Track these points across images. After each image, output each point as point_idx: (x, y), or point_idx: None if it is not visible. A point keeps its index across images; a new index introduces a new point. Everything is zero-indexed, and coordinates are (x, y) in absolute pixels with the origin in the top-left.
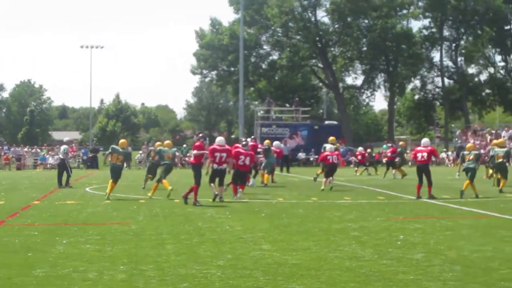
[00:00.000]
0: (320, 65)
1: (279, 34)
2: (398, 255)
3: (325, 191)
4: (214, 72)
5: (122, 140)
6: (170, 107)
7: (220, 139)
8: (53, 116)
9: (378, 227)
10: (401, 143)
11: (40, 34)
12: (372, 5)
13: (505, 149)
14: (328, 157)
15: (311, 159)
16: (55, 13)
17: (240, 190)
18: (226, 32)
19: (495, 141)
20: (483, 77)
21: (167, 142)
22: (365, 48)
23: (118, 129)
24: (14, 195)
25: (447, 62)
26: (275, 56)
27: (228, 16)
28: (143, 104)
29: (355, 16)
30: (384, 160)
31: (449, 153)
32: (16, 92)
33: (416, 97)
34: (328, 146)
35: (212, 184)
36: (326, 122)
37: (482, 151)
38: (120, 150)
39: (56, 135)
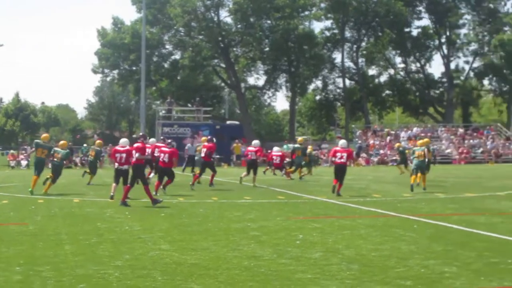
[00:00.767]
0: (222, 65)
1: (182, 33)
2: (296, 254)
3: (227, 191)
4: (115, 71)
5: (61, 142)
6: (71, 106)
7: (123, 141)
8: None
9: (278, 226)
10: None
11: None
12: (275, 6)
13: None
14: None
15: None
16: None
17: (161, 187)
18: (128, 31)
19: (420, 141)
20: (383, 78)
21: (61, 142)
22: (267, 49)
23: (17, 128)
24: None
25: (348, 63)
26: (177, 55)
27: (130, 15)
28: (43, 103)
29: (258, 16)
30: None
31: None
32: None
33: (318, 97)
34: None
35: (114, 185)
36: (228, 122)
37: (432, 146)
38: (42, 143)
39: None
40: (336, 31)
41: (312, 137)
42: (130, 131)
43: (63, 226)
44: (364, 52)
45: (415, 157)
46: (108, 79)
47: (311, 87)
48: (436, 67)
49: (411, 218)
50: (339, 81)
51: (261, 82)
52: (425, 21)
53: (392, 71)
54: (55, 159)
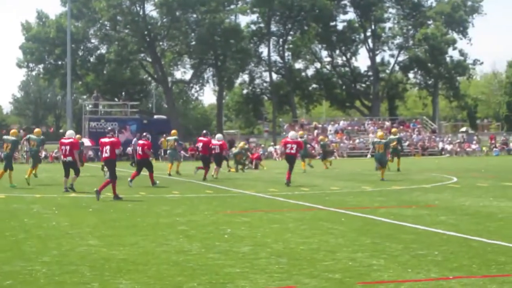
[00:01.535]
0: (148, 59)
1: (107, 27)
2: (225, 248)
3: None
4: (41, 66)
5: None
6: None
7: (69, 133)
8: None
9: (206, 220)
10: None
11: None
12: (201, 0)
13: (384, 141)
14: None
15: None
16: None
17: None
18: (53, 25)
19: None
20: (310, 72)
21: (36, 130)
22: (193, 43)
23: None
24: None
25: (275, 57)
26: (103, 50)
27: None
28: None
29: (184, 10)
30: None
31: (277, 147)
32: None
33: (245, 91)
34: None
35: (64, 178)
36: (155, 116)
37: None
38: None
39: None
40: (262, 25)
41: (241, 131)
42: (57, 126)
43: None
44: (291, 46)
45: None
46: (33, 73)
47: (238, 81)
48: (362, 61)
49: (339, 211)
50: (266, 75)
51: (188, 76)
52: (351, 15)
53: (318, 65)
54: (32, 147)
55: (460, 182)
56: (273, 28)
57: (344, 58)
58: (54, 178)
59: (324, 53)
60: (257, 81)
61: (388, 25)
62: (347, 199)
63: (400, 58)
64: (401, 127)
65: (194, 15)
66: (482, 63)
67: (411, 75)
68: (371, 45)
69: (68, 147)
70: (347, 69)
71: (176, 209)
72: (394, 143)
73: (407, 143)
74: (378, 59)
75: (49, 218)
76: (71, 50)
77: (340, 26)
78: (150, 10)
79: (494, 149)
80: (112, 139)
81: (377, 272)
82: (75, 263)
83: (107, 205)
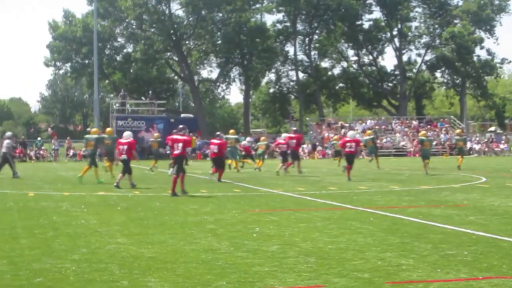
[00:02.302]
0: (175, 58)
1: (133, 26)
2: (253, 247)
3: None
4: (68, 64)
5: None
6: (24, 99)
7: (127, 134)
8: None
9: (234, 219)
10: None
11: None
12: None
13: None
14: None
15: (168, 152)
16: None
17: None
18: (80, 24)
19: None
20: (337, 71)
21: (108, 129)
22: (219, 42)
23: None
24: None
25: (301, 56)
26: (129, 48)
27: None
28: None
29: (209, 9)
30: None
31: (304, 146)
32: None
33: (271, 90)
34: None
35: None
36: (182, 115)
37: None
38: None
39: None
40: (288, 24)
41: (267, 130)
42: (84, 125)
43: (18, 220)
44: (317, 45)
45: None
46: (61, 72)
47: (265, 80)
48: (388, 60)
49: (367, 210)
50: (292, 74)
51: (214, 75)
52: (376, 14)
53: (345, 64)
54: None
55: (489, 182)
56: (299, 27)
57: (370, 57)
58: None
59: (350, 52)
60: (284, 80)
61: (414, 24)
62: (375, 198)
63: (427, 57)
64: (429, 126)
65: (220, 14)
66: (510, 62)
67: (438, 74)
68: (397, 44)
69: (125, 147)
70: (373, 68)
71: (204, 208)
72: (370, 142)
73: (434, 142)
74: (404, 58)
75: (77, 216)
76: (97, 49)
77: (366, 25)
78: (176, 9)
79: None
80: (185, 137)
81: (406, 272)
82: (104, 261)
83: (135, 203)
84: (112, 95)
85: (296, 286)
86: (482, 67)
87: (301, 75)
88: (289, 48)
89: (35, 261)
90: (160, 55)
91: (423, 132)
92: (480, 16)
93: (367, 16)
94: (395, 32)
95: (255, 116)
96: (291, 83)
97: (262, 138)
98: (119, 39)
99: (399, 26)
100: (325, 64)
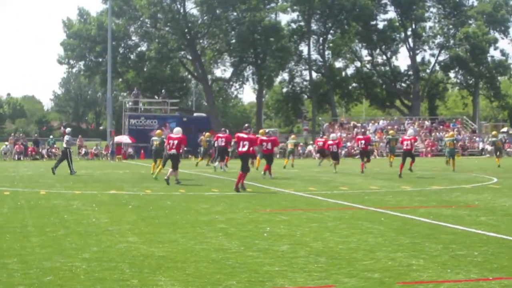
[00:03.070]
0: (189, 57)
1: (148, 25)
2: (264, 246)
3: (194, 183)
4: (81, 63)
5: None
6: (37, 97)
7: (177, 130)
8: None
9: (245, 219)
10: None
11: None
12: None
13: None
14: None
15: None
16: None
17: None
18: (94, 22)
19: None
20: (350, 71)
21: (157, 131)
22: (233, 41)
23: None
24: None
25: (315, 55)
26: (143, 47)
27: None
28: (9, 94)
29: (224, 8)
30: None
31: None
32: None
33: (284, 90)
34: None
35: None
36: (195, 114)
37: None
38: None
39: None
40: (302, 23)
41: (280, 129)
42: (97, 123)
43: (29, 218)
44: (331, 44)
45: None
46: (74, 70)
47: (278, 79)
48: (402, 60)
49: (378, 210)
50: (306, 73)
51: (227, 74)
52: (391, 14)
53: (358, 64)
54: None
55: (501, 183)
56: (314, 26)
57: (384, 57)
58: (93, 175)
59: (364, 52)
60: (297, 79)
61: (428, 24)
62: (387, 198)
63: (441, 58)
64: (441, 126)
65: (234, 13)
66: None
67: (451, 74)
68: (411, 44)
69: (176, 141)
70: (387, 68)
71: (215, 207)
72: (291, 145)
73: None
74: (418, 58)
75: (88, 214)
76: (111, 47)
77: (380, 25)
78: (191, 8)
79: None
80: (251, 135)
81: (416, 272)
82: (114, 259)
83: (146, 202)
84: (125, 94)
85: (306, 286)
86: (496, 68)
87: (314, 74)
88: (303, 48)
89: (45, 260)
90: (174, 54)
91: (451, 133)
92: (495, 17)
93: (382, 16)
94: (409, 32)
95: (268, 116)
96: (304, 83)
97: (292, 136)
98: (133, 38)
99: (414, 26)
100: (339, 64)
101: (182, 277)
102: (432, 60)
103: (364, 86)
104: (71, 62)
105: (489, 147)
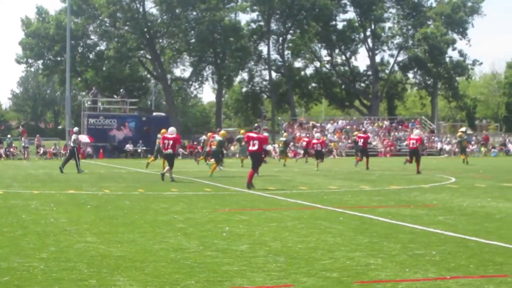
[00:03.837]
0: (148, 56)
1: (107, 24)
2: (223, 246)
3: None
4: (40, 62)
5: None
6: None
7: (171, 129)
8: None
9: (204, 218)
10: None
11: None
12: None
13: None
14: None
15: (139, 150)
16: None
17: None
18: (53, 21)
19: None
20: (309, 71)
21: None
22: (193, 40)
23: None
24: None
25: (275, 55)
26: (102, 46)
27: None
28: None
29: (184, 7)
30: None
31: (276, 145)
32: None
33: (244, 89)
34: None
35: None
36: (154, 113)
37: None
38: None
39: None
40: (262, 23)
41: (239, 129)
42: (55, 122)
43: None
44: (290, 44)
45: None
46: (32, 69)
47: (237, 79)
48: (361, 60)
49: (337, 210)
50: (265, 73)
51: (187, 73)
52: (350, 14)
53: (318, 64)
54: (213, 147)
55: (459, 183)
56: (273, 26)
57: (343, 57)
58: (52, 175)
59: (323, 52)
60: (257, 79)
61: (388, 24)
62: (346, 198)
63: (400, 58)
64: (400, 126)
65: (194, 13)
66: (481, 63)
67: (410, 75)
68: (370, 44)
69: (171, 142)
70: (346, 68)
71: (174, 207)
72: (281, 143)
73: (405, 142)
74: (377, 58)
75: (47, 214)
76: (70, 46)
77: (340, 25)
78: (150, 7)
79: (493, 149)
80: (260, 135)
81: (374, 271)
82: (72, 259)
83: (105, 202)
84: (84, 93)
85: (265, 286)
86: (454, 68)
87: (274, 74)
88: (263, 48)
89: (2, 260)
90: (133, 53)
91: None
92: (453, 18)
93: (341, 16)
94: (368, 33)
95: (227, 115)
96: (264, 83)
97: (285, 134)
98: (92, 37)
99: (373, 26)
100: (298, 64)
101: (141, 277)
102: (391, 60)
103: (323, 86)
104: (30, 61)
105: (447, 147)
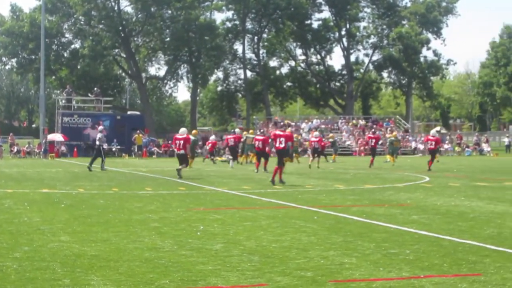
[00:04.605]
0: (123, 55)
1: (82, 22)
2: (197, 245)
3: (127, 182)
4: (14, 60)
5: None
6: None
7: (182, 130)
8: None
9: (179, 217)
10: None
11: None
12: None
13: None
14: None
15: (114, 149)
16: None
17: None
18: (27, 19)
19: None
20: (285, 70)
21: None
22: (168, 39)
23: None
24: None
25: (250, 54)
26: (77, 44)
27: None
28: None
29: (159, 6)
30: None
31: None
32: None
33: (219, 88)
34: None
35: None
36: (129, 112)
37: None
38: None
39: None
40: (237, 22)
41: (214, 128)
42: (29, 121)
43: None
44: (266, 43)
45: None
46: (6, 67)
47: (213, 78)
48: (336, 60)
49: (311, 209)
50: (241, 72)
51: (162, 72)
52: (326, 14)
53: (293, 63)
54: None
55: (432, 182)
56: (248, 25)
57: (318, 57)
58: (25, 174)
59: (298, 51)
60: (232, 78)
61: (363, 24)
62: (320, 197)
63: (374, 57)
64: (375, 126)
65: (169, 11)
66: (455, 63)
67: (385, 74)
68: (345, 44)
69: (182, 142)
70: (321, 67)
71: (148, 206)
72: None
73: (380, 142)
74: (352, 58)
75: (20, 213)
76: (45, 44)
77: (315, 24)
78: (125, 5)
79: (466, 149)
80: (287, 132)
81: (349, 271)
82: (46, 259)
83: (79, 201)
84: (58, 92)
85: (239, 285)
86: (428, 68)
87: (249, 73)
88: (238, 47)
89: None
90: (108, 51)
91: (394, 133)
92: (428, 18)
93: (316, 16)
94: (343, 32)
95: (202, 114)
96: (239, 82)
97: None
98: (66, 35)
99: (348, 26)
100: (273, 63)
101: (115, 276)
102: (366, 60)
103: (298, 85)
104: (4, 59)
105: (421, 146)
